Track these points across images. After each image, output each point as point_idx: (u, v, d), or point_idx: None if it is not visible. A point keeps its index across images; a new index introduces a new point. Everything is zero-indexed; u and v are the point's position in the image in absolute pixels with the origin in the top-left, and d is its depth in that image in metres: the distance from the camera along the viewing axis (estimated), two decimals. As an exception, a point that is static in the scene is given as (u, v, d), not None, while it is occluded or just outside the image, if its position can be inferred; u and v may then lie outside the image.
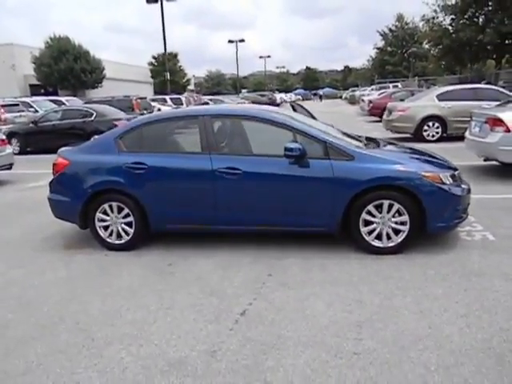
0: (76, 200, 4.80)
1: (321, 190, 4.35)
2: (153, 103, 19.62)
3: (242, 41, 52.31)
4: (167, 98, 23.78)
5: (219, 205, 4.55)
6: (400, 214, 4.28)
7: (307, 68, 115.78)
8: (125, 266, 4.44)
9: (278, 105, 35.45)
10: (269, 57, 70.30)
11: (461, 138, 11.76)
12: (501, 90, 12.84)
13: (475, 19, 28.65)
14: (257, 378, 2.61)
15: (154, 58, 58.59)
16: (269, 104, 24.95)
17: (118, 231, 4.81)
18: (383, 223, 4.32)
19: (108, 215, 4.79)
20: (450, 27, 29.79)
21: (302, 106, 7.20)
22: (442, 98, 12.61)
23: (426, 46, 42.31)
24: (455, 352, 2.76)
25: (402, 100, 16.55)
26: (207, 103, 26.24)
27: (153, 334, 3.14)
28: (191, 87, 65.94)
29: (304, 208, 4.43)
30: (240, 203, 4.54)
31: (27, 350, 3.03)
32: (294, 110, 6.91)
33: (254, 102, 28.77)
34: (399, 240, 4.34)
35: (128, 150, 4.76)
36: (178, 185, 4.63)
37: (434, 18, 30.75)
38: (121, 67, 48.81)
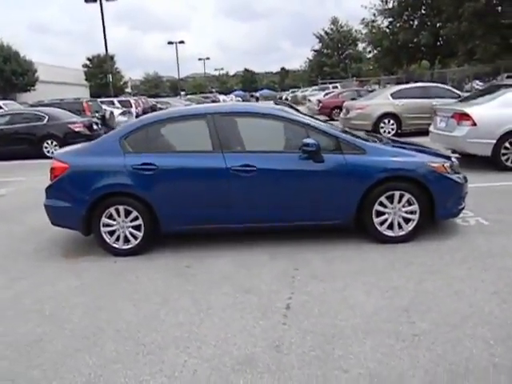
0: (79, 205, 4.54)
1: (336, 184, 4.46)
2: (103, 106, 18.84)
3: (182, 42, 51.58)
4: (115, 100, 22.96)
5: (234, 203, 4.51)
6: (410, 204, 4.49)
7: (245, 70, 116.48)
8: (140, 271, 4.28)
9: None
10: (208, 59, 69.74)
11: (414, 134, 12.53)
12: (448, 88, 13.77)
13: (411, 22, 30.51)
14: (333, 367, 2.65)
15: (88, 59, 56.31)
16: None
17: (126, 236, 4.63)
18: (394, 213, 4.51)
19: (114, 219, 4.59)
20: (387, 30, 31.49)
21: (284, 102, 7.31)
22: (395, 96, 13.29)
23: (361, 48, 44.19)
24: (503, 326, 2.96)
25: (353, 99, 17.23)
26: (155, 105, 25.72)
27: (206, 336, 3.07)
28: (128, 90, 64.03)
29: (319, 202, 4.51)
30: (255, 201, 4.53)
31: (77, 362, 2.84)
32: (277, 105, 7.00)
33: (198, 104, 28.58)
34: (409, 229, 4.55)
35: (134, 151, 4.58)
36: (191, 184, 4.53)
37: (373, 21, 32.36)
38: (54, 69, 46.40)
